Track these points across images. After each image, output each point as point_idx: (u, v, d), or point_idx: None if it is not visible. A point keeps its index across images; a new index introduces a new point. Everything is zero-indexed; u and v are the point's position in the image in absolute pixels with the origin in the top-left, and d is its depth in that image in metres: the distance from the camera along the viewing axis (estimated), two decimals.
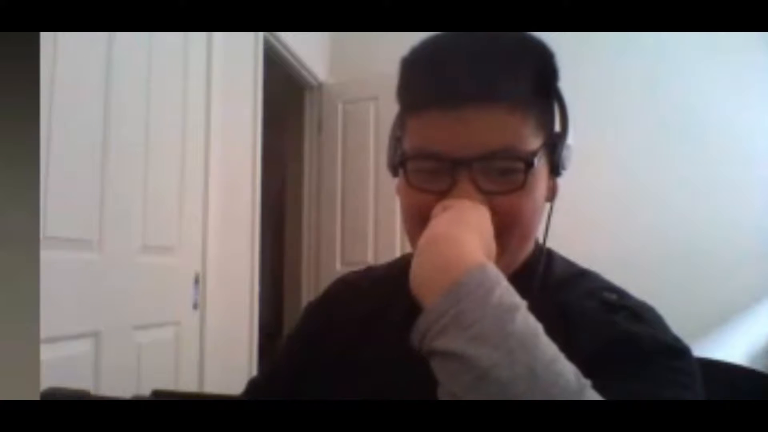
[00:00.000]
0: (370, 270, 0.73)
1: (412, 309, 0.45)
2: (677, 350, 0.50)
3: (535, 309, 0.42)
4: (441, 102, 0.51)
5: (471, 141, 0.51)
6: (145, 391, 0.42)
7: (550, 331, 0.41)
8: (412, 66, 0.56)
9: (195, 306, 1.74)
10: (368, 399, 0.45)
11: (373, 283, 0.69)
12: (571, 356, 0.40)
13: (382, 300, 0.64)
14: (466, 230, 0.46)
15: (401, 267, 0.63)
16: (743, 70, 2.49)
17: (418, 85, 0.54)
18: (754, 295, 2.39)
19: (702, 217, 2.48)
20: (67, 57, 1.22)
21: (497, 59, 0.51)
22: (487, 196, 0.51)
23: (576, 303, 0.54)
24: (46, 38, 1.16)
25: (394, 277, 0.63)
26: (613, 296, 0.55)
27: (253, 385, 0.69)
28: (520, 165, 0.51)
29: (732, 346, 2.31)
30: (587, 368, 0.40)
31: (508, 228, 0.52)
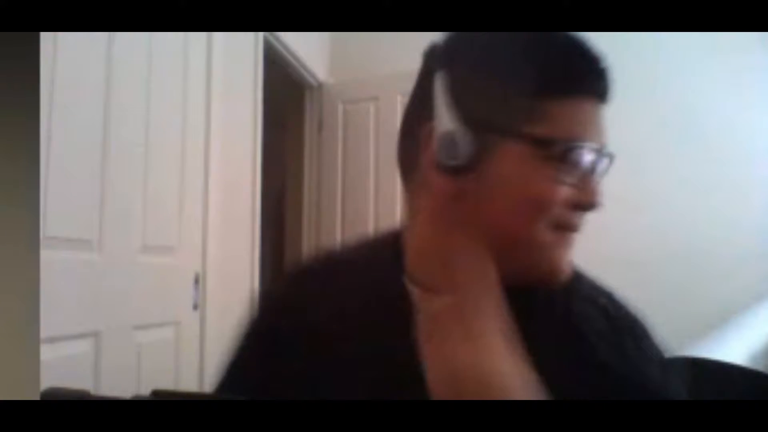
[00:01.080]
0: (329, 258, 0.67)
1: (400, 302, 0.47)
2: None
3: (554, 318, 0.47)
4: (598, 91, 0.50)
5: (603, 135, 0.50)
6: (145, 391, 0.42)
7: (565, 341, 0.44)
8: (571, 48, 0.51)
9: (195, 306, 1.74)
10: (369, 396, 0.47)
11: (343, 272, 0.62)
12: (584, 367, 0.42)
13: (362, 292, 0.58)
14: (491, 352, 0.44)
15: (371, 252, 0.61)
16: (743, 70, 2.49)
17: (580, 69, 0.50)
18: (754, 295, 2.39)
19: (702, 217, 2.48)
20: (67, 57, 1.22)
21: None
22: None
23: (584, 313, 0.53)
24: (46, 38, 1.16)
25: (368, 265, 0.59)
26: (609, 305, 0.55)
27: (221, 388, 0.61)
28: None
29: (732, 346, 2.31)
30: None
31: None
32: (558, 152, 0.47)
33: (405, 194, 0.58)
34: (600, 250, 2.16)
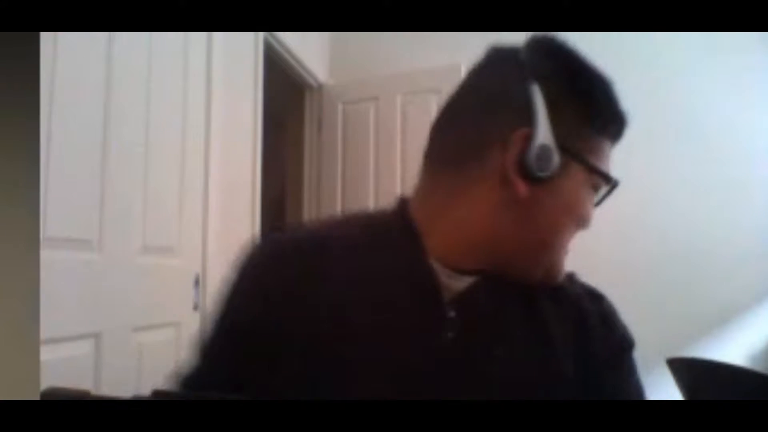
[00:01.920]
0: (321, 235, 0.60)
1: (425, 281, 0.54)
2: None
3: (559, 304, 0.59)
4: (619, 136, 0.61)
5: None
6: (145, 391, 0.41)
7: (566, 333, 0.57)
8: (613, 90, 0.59)
9: (195, 307, 1.74)
10: (382, 389, 0.50)
11: (345, 250, 0.57)
12: (589, 357, 0.56)
13: (376, 273, 0.56)
14: None
15: (371, 233, 0.58)
16: (743, 71, 2.49)
17: (621, 112, 0.60)
18: (754, 295, 2.39)
19: (702, 217, 2.48)
20: (67, 57, 1.22)
21: None
22: None
23: (589, 309, 0.62)
24: (46, 38, 1.16)
25: (374, 246, 0.57)
26: (589, 291, 0.64)
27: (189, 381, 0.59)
28: None
29: (732, 346, 2.31)
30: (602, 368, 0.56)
31: None
32: (598, 181, 0.57)
33: (439, 181, 0.58)
34: (601, 251, 2.17)
